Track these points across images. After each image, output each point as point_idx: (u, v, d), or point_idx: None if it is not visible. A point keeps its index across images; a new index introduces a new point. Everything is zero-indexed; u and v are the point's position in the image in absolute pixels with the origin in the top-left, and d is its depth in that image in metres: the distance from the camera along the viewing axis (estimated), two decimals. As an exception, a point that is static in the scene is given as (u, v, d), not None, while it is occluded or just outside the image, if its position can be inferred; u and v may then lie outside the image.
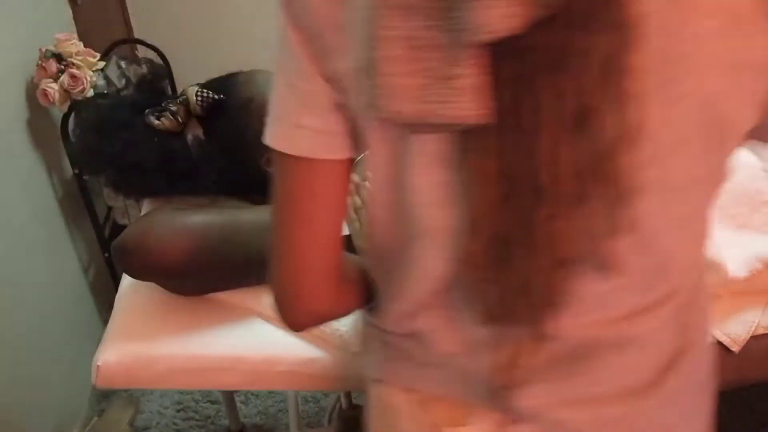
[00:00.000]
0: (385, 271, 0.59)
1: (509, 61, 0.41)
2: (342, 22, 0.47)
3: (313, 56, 0.49)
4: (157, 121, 1.05)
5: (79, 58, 1.52)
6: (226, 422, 1.63)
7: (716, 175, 0.51)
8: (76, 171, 1.62)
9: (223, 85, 1.09)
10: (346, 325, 0.91)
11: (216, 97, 1.05)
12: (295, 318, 0.59)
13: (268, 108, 0.53)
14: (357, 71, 0.44)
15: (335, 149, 0.52)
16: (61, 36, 1.52)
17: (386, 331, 0.62)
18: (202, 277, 0.92)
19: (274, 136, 0.52)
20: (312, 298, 0.57)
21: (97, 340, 0.95)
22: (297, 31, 0.49)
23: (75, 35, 1.58)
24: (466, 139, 0.45)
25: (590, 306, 0.53)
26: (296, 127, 0.51)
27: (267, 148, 0.53)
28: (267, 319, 0.95)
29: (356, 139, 0.53)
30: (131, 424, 1.63)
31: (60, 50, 1.50)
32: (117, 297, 0.99)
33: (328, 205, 0.55)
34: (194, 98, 1.05)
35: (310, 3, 0.48)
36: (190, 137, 1.06)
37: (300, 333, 0.93)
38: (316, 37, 0.49)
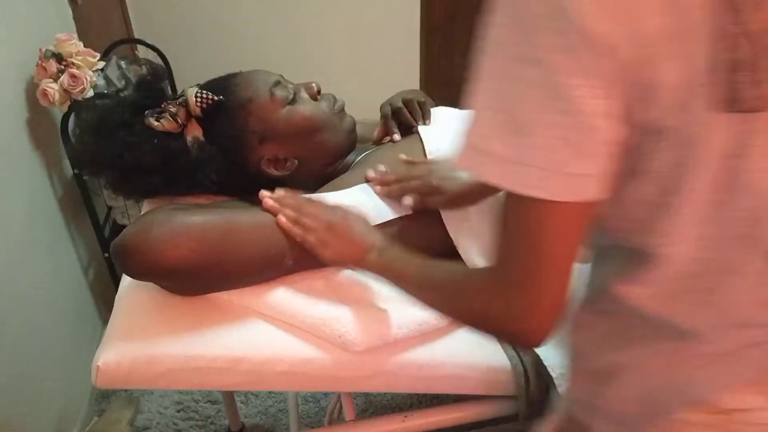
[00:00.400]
0: (700, 290, 0.60)
1: None
2: (675, 31, 0.48)
3: (611, 94, 0.50)
4: (156, 123, 1.05)
5: (79, 58, 1.52)
6: (226, 422, 1.63)
7: None
8: (76, 171, 1.63)
9: (223, 85, 1.09)
10: (346, 325, 0.91)
11: (215, 97, 1.05)
12: (532, 335, 0.62)
13: (501, 151, 0.53)
14: (710, 70, 0.48)
15: (597, 190, 0.54)
16: (61, 36, 1.52)
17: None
18: (202, 277, 0.92)
19: (527, 184, 0.53)
20: (546, 318, 0.60)
21: (97, 340, 0.96)
22: (596, 76, 0.49)
23: (75, 35, 1.58)
24: None
25: None
26: (561, 174, 0.52)
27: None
28: (267, 319, 0.95)
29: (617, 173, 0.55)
30: (131, 424, 1.63)
31: (60, 50, 1.50)
32: (117, 297, 0.99)
33: (574, 241, 0.57)
34: (194, 99, 1.05)
35: (644, 26, 0.48)
36: (189, 138, 1.06)
37: (300, 334, 0.93)
38: (633, 66, 0.49)
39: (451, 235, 1.03)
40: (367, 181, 1.07)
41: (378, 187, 1.05)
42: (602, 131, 0.51)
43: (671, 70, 0.50)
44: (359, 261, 0.89)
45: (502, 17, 0.51)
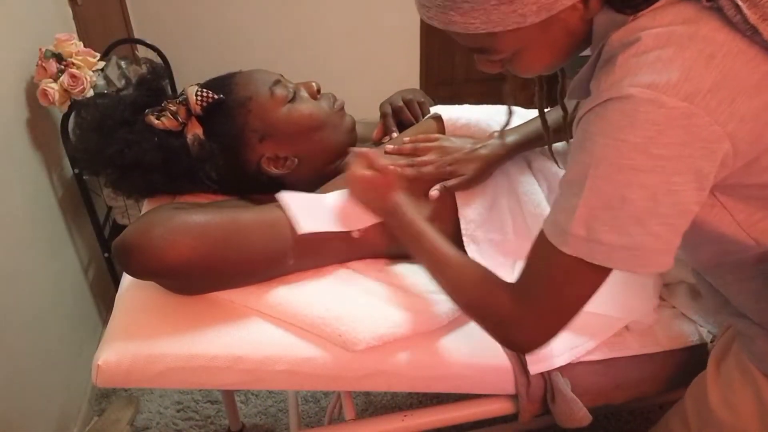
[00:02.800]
0: None
1: None
2: None
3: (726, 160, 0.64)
4: (156, 121, 1.05)
5: (79, 58, 1.52)
6: (226, 422, 1.63)
7: None
8: (76, 171, 1.63)
9: (223, 84, 1.09)
10: (346, 324, 0.91)
11: (216, 96, 1.05)
12: (540, 346, 0.77)
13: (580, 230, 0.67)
14: None
15: None
16: (61, 36, 1.52)
17: None
18: (203, 276, 0.92)
19: (624, 262, 0.67)
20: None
21: (97, 340, 0.96)
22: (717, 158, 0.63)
23: (75, 35, 1.58)
24: None
25: None
26: (662, 252, 0.67)
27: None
28: (266, 318, 0.95)
29: None
30: (131, 424, 1.63)
31: (60, 50, 1.50)
32: (117, 297, 0.99)
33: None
34: (194, 97, 1.05)
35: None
36: (189, 136, 1.06)
37: (300, 333, 0.94)
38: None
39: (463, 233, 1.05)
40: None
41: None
42: (695, 210, 0.66)
43: None
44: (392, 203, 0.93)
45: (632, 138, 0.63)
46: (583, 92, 0.75)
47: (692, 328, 1.04)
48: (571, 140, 0.72)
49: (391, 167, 0.94)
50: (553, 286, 0.72)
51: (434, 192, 1.05)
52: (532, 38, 0.69)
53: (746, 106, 0.61)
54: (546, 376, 0.98)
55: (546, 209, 1.07)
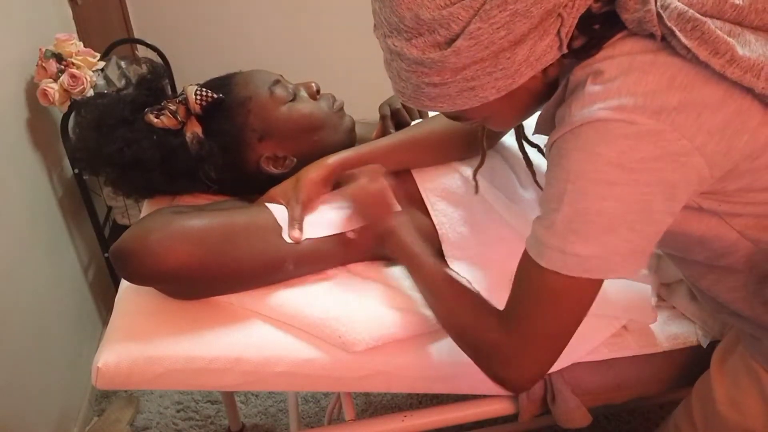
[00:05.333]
0: None
1: None
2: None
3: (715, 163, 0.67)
4: (156, 119, 1.05)
5: (79, 58, 1.52)
6: (226, 422, 1.63)
7: None
8: (76, 171, 1.63)
9: (223, 84, 1.09)
10: (345, 325, 0.91)
11: (215, 95, 1.05)
12: (529, 383, 0.80)
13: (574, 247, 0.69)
14: None
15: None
16: (61, 36, 1.52)
17: None
18: (201, 282, 0.92)
19: (597, 270, 0.69)
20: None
21: (97, 341, 0.96)
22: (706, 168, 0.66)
23: (75, 35, 1.58)
24: None
25: None
26: (631, 256, 0.70)
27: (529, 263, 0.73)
28: (266, 320, 0.95)
29: None
30: (131, 424, 1.63)
31: (60, 50, 1.50)
32: (117, 298, 0.99)
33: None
34: (193, 97, 1.05)
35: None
36: (189, 135, 1.05)
37: (299, 334, 0.93)
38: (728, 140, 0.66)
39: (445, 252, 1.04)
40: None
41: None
42: (668, 221, 0.69)
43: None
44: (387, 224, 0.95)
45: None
46: (549, 125, 0.78)
47: (692, 329, 1.04)
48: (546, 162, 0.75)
49: (388, 188, 0.97)
50: (538, 305, 0.73)
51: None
52: (498, 108, 0.74)
53: (712, 120, 0.64)
54: (546, 377, 0.98)
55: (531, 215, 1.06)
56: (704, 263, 0.82)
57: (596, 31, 0.69)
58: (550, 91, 0.76)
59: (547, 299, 0.73)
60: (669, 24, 0.65)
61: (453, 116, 0.80)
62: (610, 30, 0.69)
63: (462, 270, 1.00)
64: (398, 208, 0.97)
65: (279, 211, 0.99)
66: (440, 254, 0.94)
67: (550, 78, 0.73)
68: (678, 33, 0.64)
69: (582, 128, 0.66)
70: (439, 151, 1.10)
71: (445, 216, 1.05)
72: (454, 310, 0.84)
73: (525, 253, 0.75)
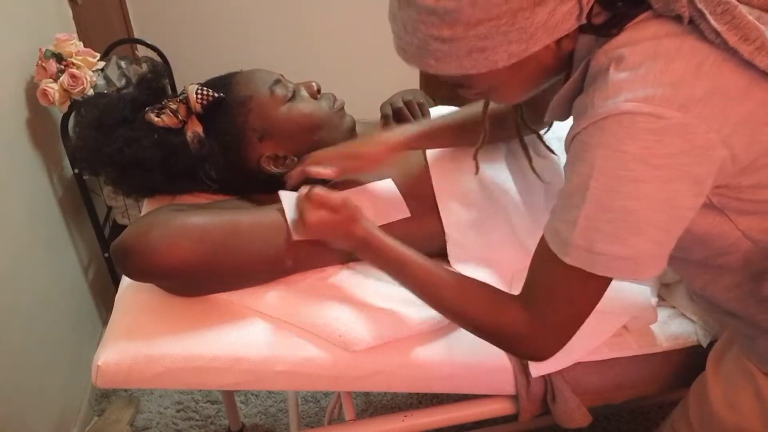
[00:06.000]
0: None
1: None
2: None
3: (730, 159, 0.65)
4: (156, 118, 1.05)
5: (79, 58, 1.52)
6: (226, 422, 1.63)
7: None
8: (76, 171, 1.63)
9: (224, 83, 1.09)
10: (346, 324, 0.91)
11: (216, 94, 1.05)
12: (554, 352, 0.78)
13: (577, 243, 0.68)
14: None
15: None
16: (61, 36, 1.52)
17: None
18: (202, 278, 0.92)
19: (624, 270, 0.68)
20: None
21: (97, 340, 0.96)
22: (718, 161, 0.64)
23: (75, 35, 1.58)
24: None
25: None
26: (658, 257, 0.69)
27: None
28: (266, 318, 0.95)
29: None
30: (131, 424, 1.63)
31: (60, 50, 1.50)
32: (117, 297, 0.99)
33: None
34: (194, 96, 1.05)
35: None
36: (189, 135, 1.05)
37: (300, 333, 0.94)
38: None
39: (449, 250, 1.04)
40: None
41: (320, 169, 1.04)
42: (691, 216, 0.68)
43: None
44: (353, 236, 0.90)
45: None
46: (564, 111, 0.76)
47: (692, 328, 1.04)
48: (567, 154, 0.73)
49: (346, 198, 0.89)
50: (561, 296, 0.73)
51: (327, 170, 1.03)
52: (505, 77, 0.72)
53: (737, 111, 0.63)
54: (546, 377, 0.98)
55: (539, 218, 1.06)
56: (700, 263, 0.82)
57: (619, 7, 0.66)
58: (560, 68, 0.74)
59: (570, 290, 0.73)
60: (699, 6, 0.62)
61: (456, 83, 0.76)
62: (633, 8, 0.67)
63: (463, 271, 1.00)
64: (361, 217, 0.90)
65: (288, 209, 0.98)
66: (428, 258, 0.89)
67: (563, 52, 0.71)
68: (708, 15, 0.62)
69: (607, 121, 0.64)
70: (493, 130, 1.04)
71: (454, 215, 1.06)
72: (467, 304, 0.82)
73: (544, 243, 0.73)
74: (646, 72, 0.63)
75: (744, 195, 0.71)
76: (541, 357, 0.79)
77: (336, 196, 0.89)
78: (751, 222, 0.73)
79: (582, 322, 0.75)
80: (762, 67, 0.62)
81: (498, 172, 1.11)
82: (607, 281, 0.72)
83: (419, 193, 1.08)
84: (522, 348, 0.80)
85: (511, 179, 1.11)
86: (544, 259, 0.73)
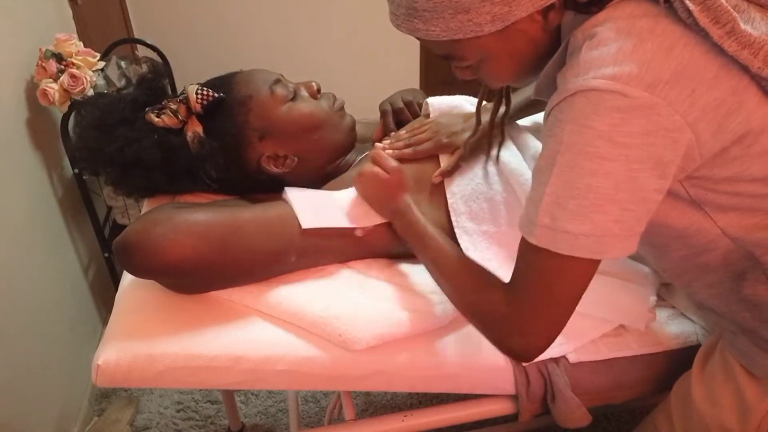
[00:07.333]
0: None
1: None
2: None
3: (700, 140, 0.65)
4: (157, 118, 1.05)
5: (79, 58, 1.52)
6: (226, 422, 1.63)
7: None
8: (76, 171, 1.63)
9: (224, 83, 1.09)
10: (346, 323, 0.91)
11: (216, 94, 1.05)
12: (537, 351, 0.76)
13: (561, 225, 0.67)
14: None
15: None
16: (61, 36, 1.52)
17: None
18: (205, 274, 0.92)
19: (588, 249, 0.67)
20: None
21: (97, 340, 0.96)
22: (689, 129, 0.64)
23: (75, 35, 1.58)
24: None
25: None
26: (623, 237, 0.68)
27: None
28: (266, 318, 0.95)
29: None
30: (131, 424, 1.63)
31: (60, 50, 1.50)
32: (117, 296, 0.99)
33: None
34: (194, 96, 1.05)
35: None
36: (190, 135, 1.06)
37: (300, 333, 0.94)
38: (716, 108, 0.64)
39: (457, 233, 1.04)
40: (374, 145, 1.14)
41: (389, 151, 1.09)
42: (657, 199, 0.68)
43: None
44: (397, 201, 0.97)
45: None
46: (550, 89, 0.76)
47: (692, 328, 1.04)
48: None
49: (403, 169, 0.97)
50: (538, 282, 0.72)
51: (437, 178, 1.08)
52: (494, 47, 0.72)
53: (706, 96, 0.63)
54: (546, 376, 0.98)
55: None
56: (682, 260, 0.82)
57: None
58: (550, 46, 0.74)
59: (542, 275, 0.72)
60: None
61: (447, 55, 0.76)
62: None
63: (471, 245, 1.02)
64: (407, 189, 0.98)
65: (296, 200, 0.98)
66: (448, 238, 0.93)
67: (550, 26, 0.71)
68: None
69: (576, 97, 0.65)
70: None
71: (458, 187, 1.08)
72: (461, 284, 0.84)
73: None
74: (617, 50, 0.64)
75: (720, 187, 0.71)
76: (519, 348, 0.76)
77: (394, 161, 0.98)
78: (730, 219, 0.73)
79: (564, 313, 0.73)
80: (730, 52, 0.63)
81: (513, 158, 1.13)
82: (581, 266, 0.70)
83: (422, 181, 1.10)
84: (501, 335, 0.77)
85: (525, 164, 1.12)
86: (521, 244, 0.74)
